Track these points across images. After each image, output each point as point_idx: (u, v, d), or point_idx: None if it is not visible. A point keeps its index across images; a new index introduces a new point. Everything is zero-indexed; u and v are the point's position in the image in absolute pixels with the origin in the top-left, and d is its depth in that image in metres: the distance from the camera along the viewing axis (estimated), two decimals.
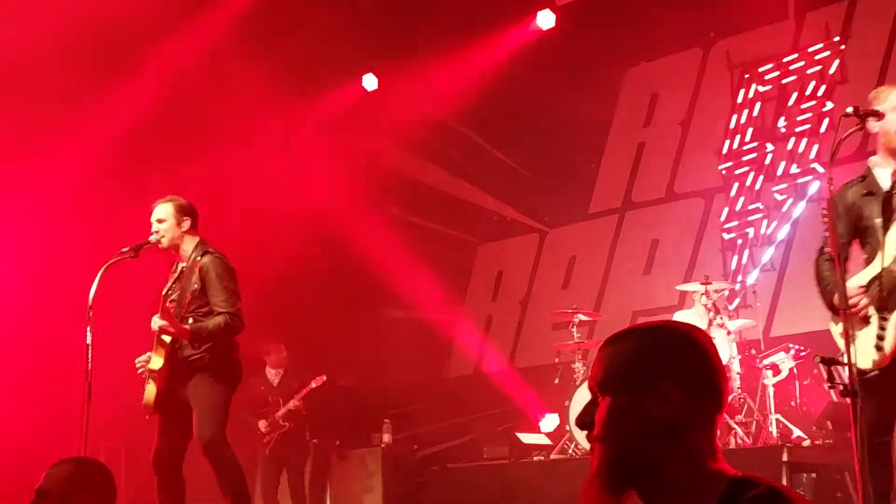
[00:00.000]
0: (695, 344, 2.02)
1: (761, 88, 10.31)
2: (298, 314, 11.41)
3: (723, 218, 10.33)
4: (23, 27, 8.83)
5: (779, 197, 10.01)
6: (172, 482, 6.23)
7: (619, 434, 1.97)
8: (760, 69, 10.34)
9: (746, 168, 10.27)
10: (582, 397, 8.69)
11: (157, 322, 6.04)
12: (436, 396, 11.71)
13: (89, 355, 5.99)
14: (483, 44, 11.48)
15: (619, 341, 2.06)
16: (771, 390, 8.10)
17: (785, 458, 7.15)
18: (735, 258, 10.15)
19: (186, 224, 6.40)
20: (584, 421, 2.05)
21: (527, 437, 9.64)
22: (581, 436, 8.54)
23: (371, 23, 11.02)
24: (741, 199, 10.23)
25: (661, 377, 1.96)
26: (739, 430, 8.07)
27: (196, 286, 6.24)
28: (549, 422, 10.03)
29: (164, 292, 6.15)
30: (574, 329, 9.36)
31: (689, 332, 2.05)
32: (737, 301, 9.65)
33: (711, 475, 1.93)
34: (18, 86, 9.22)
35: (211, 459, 6.08)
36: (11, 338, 9.00)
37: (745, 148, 10.32)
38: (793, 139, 10.02)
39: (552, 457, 9.01)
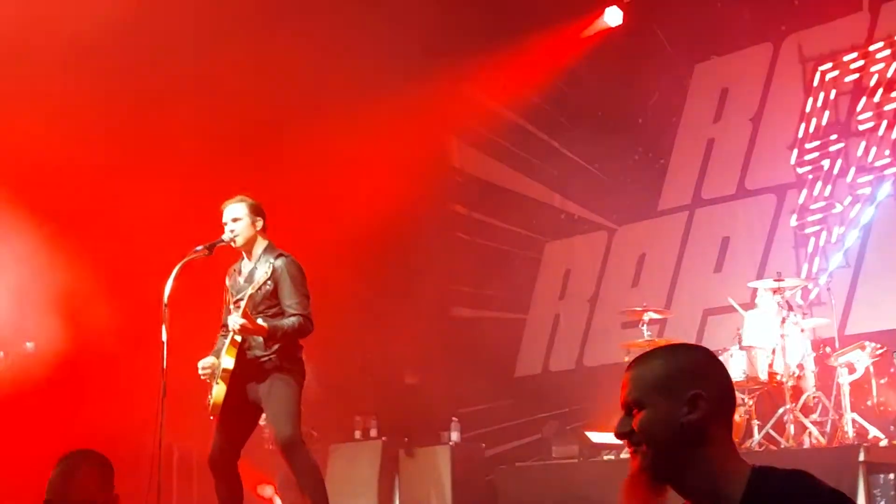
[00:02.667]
0: (714, 360, 2.42)
1: (835, 82, 10.13)
2: (367, 313, 11.46)
3: (796, 214, 10.17)
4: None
5: (854, 192, 9.83)
6: (229, 482, 6.28)
7: (657, 439, 2.32)
8: (834, 63, 10.17)
9: (820, 163, 10.10)
10: None
11: (236, 321, 6.06)
12: (504, 395, 11.70)
13: (164, 354, 6.06)
14: (550, 41, 11.44)
15: (650, 360, 2.42)
16: (846, 389, 7.95)
17: (862, 457, 7.01)
18: (809, 255, 9.99)
19: (259, 224, 6.47)
20: (622, 432, 2.40)
21: (596, 436, 9.57)
22: None
23: (435, 20, 11.02)
24: (815, 195, 10.06)
25: (691, 388, 2.32)
26: (814, 430, 7.93)
27: (269, 288, 6.27)
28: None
29: (236, 295, 6.19)
30: (644, 327, 9.25)
31: (707, 350, 2.46)
32: (810, 298, 9.50)
33: (735, 469, 2.29)
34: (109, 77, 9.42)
35: (289, 459, 6.12)
36: (89, 337, 9.14)
37: (819, 143, 10.15)
38: (868, 133, 9.83)
39: (622, 455, 8.93)
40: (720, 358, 2.52)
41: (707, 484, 2.29)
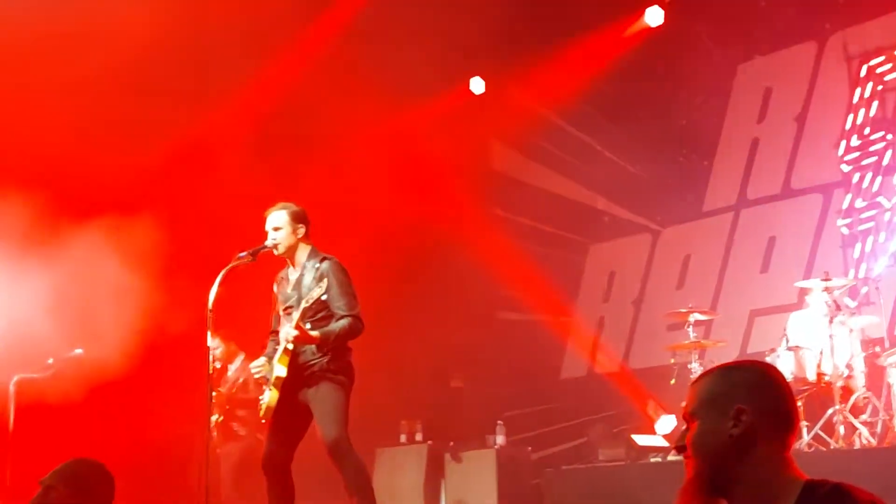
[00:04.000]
0: (769, 378, 2.50)
1: (882, 77, 10.01)
2: (411, 318, 11.49)
3: (843, 213, 10.06)
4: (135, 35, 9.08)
5: None
6: (282, 485, 6.32)
7: (705, 451, 2.45)
8: (879, 60, 10.05)
9: (867, 161, 9.99)
10: None
11: (289, 332, 6.12)
12: (549, 398, 11.66)
13: (210, 359, 6.11)
14: (591, 42, 11.41)
15: (706, 377, 2.56)
16: None
17: None
18: (856, 254, 9.87)
19: (301, 231, 6.49)
20: (679, 444, 2.54)
21: (643, 439, 9.52)
22: None
23: (478, 25, 11.03)
24: (862, 194, 9.95)
25: (736, 403, 2.43)
26: (864, 431, 7.83)
27: (316, 292, 6.31)
28: (665, 423, 9.89)
29: (285, 304, 6.22)
30: (690, 329, 9.19)
31: (764, 368, 2.54)
32: (859, 298, 9.39)
33: (787, 481, 2.37)
34: (136, 88, 9.51)
35: (336, 461, 6.15)
36: (136, 343, 9.22)
37: (865, 141, 10.04)
38: None
39: (669, 458, 8.88)
40: (767, 359, 2.56)
41: (756, 497, 2.38)
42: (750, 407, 2.42)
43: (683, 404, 2.62)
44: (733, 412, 2.42)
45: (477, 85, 12.35)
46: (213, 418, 9.08)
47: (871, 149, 9.99)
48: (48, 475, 3.97)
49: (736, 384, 2.48)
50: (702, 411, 2.49)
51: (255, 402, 8.72)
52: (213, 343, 9.17)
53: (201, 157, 10.08)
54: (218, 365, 9.30)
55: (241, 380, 9.20)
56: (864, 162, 10.01)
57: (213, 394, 8.90)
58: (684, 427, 2.56)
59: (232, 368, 9.41)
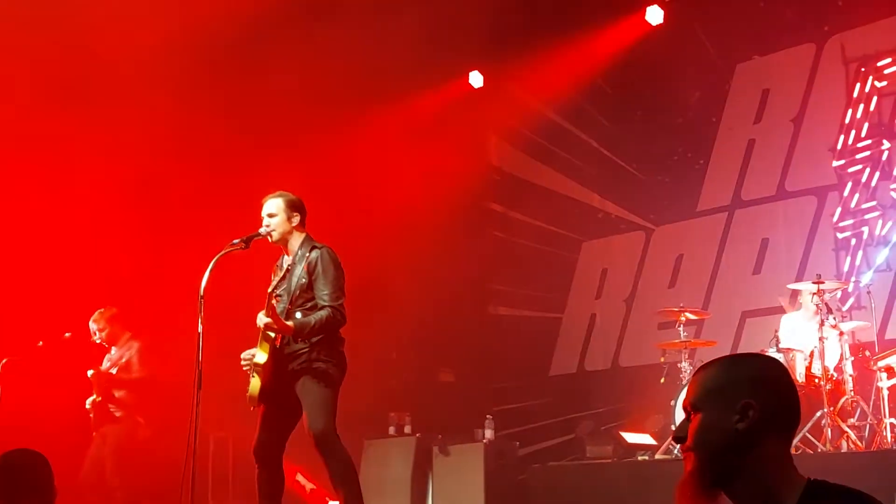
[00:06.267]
0: (775, 372, 2.45)
1: (878, 84, 10.01)
2: (402, 310, 11.48)
3: (836, 216, 10.08)
4: (122, 28, 9.05)
5: None
6: (272, 474, 6.32)
7: (708, 444, 2.38)
8: (878, 64, 10.05)
9: (862, 165, 9.99)
10: None
11: (262, 319, 6.12)
12: (539, 394, 11.66)
13: (200, 346, 6.09)
14: (590, 40, 11.40)
15: (711, 367, 2.49)
16: (885, 393, 7.87)
17: None
18: (849, 258, 9.89)
19: (296, 219, 6.49)
20: (679, 435, 2.46)
21: (631, 437, 9.53)
22: None
23: (477, 19, 11.01)
24: (856, 197, 9.96)
25: (743, 396, 2.36)
26: (852, 434, 7.84)
27: (304, 281, 6.31)
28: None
29: (270, 289, 6.21)
30: (681, 328, 9.21)
31: (770, 362, 2.49)
32: (850, 302, 9.40)
33: (788, 479, 2.33)
34: (123, 84, 9.49)
35: (322, 452, 6.14)
36: (128, 329, 9.19)
37: (861, 145, 10.04)
38: None
39: (657, 457, 8.89)
40: None
41: (757, 493, 2.33)
42: (757, 401, 2.35)
43: (681, 398, 2.58)
44: (740, 406, 2.35)
45: (476, 79, 12.34)
46: (91, 399, 8.77)
47: (867, 154, 9.98)
48: None
49: (743, 377, 2.41)
50: (706, 403, 2.42)
51: (137, 384, 8.80)
52: (96, 325, 8.98)
53: (202, 144, 10.07)
54: (99, 343, 9.07)
55: (124, 359, 8.90)
56: (860, 167, 10.01)
57: (91, 372, 8.74)
58: (685, 419, 2.47)
59: (115, 348, 9.05)
